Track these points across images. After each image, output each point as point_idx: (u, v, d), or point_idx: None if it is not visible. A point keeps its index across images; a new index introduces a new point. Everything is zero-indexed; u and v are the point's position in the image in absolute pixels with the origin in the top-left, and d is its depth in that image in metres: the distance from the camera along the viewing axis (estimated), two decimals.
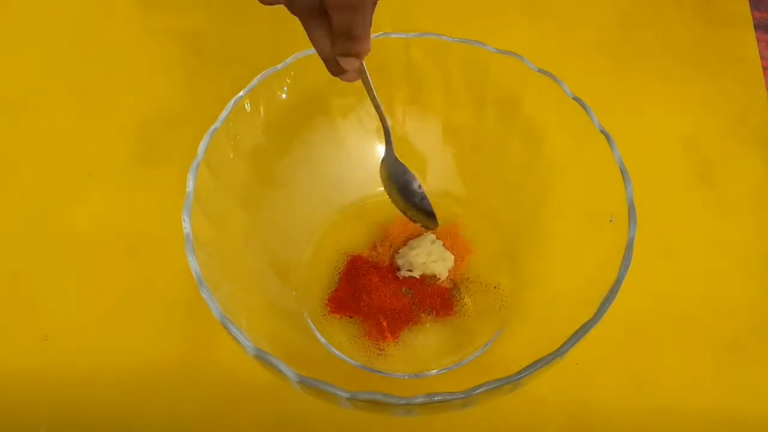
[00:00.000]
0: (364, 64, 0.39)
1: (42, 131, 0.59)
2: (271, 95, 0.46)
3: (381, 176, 0.46)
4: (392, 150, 0.45)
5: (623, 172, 0.40)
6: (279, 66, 0.45)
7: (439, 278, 0.49)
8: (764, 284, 0.50)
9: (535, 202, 0.48)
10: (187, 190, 0.39)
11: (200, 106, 0.47)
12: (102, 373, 0.47)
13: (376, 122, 0.52)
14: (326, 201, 0.53)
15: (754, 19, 0.66)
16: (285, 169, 0.50)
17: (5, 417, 0.45)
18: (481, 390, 0.32)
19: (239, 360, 0.38)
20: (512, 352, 0.44)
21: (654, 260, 0.49)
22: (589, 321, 0.35)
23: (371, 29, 0.35)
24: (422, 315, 0.48)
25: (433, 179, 0.53)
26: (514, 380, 0.33)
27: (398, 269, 0.49)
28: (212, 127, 0.42)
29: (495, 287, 0.49)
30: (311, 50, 0.46)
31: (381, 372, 0.46)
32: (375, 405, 0.33)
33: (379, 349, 0.47)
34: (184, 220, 0.38)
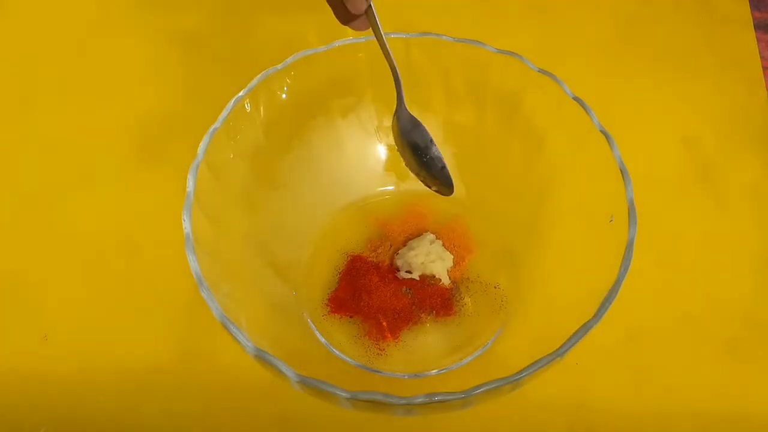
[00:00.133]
0: (372, 6, 0.37)
1: (42, 131, 0.59)
2: (271, 95, 0.46)
3: (393, 133, 0.44)
4: (403, 103, 0.42)
5: (623, 172, 0.40)
6: (279, 66, 0.45)
7: (439, 278, 0.49)
8: (764, 284, 0.50)
9: (535, 202, 0.49)
10: (187, 190, 0.39)
11: (200, 106, 0.47)
12: (102, 373, 0.47)
13: (376, 122, 0.52)
14: (326, 201, 0.53)
15: (754, 19, 0.66)
16: (285, 169, 0.50)
17: (5, 417, 0.45)
18: (481, 390, 0.32)
19: (239, 360, 0.38)
20: (512, 352, 0.44)
21: (654, 260, 0.50)
22: (589, 321, 0.35)
23: None
24: (422, 315, 0.48)
25: None
26: (514, 380, 0.33)
27: (398, 270, 0.49)
28: (212, 127, 0.42)
29: (495, 287, 0.49)
30: (311, 50, 0.46)
31: (381, 372, 0.46)
32: (375, 405, 0.33)
33: (379, 349, 0.47)
34: (184, 220, 0.38)
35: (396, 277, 0.49)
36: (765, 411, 0.45)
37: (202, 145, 0.41)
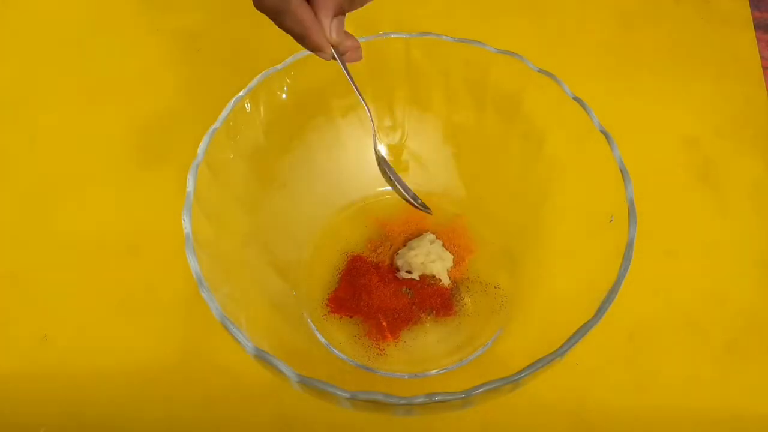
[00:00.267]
0: (338, 58, 0.38)
1: (42, 131, 0.59)
2: (271, 95, 0.46)
3: (376, 159, 0.46)
4: (375, 140, 0.45)
5: (623, 172, 0.40)
6: (279, 66, 0.45)
7: (439, 278, 0.49)
8: (764, 284, 0.50)
9: (535, 202, 0.48)
10: (187, 190, 0.39)
11: (200, 106, 0.47)
12: (102, 373, 0.47)
13: (376, 122, 0.52)
14: (326, 201, 0.53)
15: (754, 19, 0.66)
16: (285, 169, 0.50)
17: (5, 417, 0.45)
18: (481, 390, 0.32)
19: (239, 360, 0.38)
20: (512, 352, 0.44)
21: (654, 260, 0.50)
22: (589, 321, 0.35)
23: (331, 24, 0.36)
24: (422, 315, 0.48)
25: (433, 179, 0.53)
26: (514, 380, 0.33)
27: (398, 270, 0.49)
28: (212, 127, 0.42)
29: (495, 287, 0.49)
30: None
31: (381, 372, 0.46)
32: (375, 405, 0.33)
33: (379, 349, 0.47)
34: (184, 220, 0.38)
35: (396, 277, 0.49)
36: (765, 411, 0.45)
37: (202, 145, 0.41)
